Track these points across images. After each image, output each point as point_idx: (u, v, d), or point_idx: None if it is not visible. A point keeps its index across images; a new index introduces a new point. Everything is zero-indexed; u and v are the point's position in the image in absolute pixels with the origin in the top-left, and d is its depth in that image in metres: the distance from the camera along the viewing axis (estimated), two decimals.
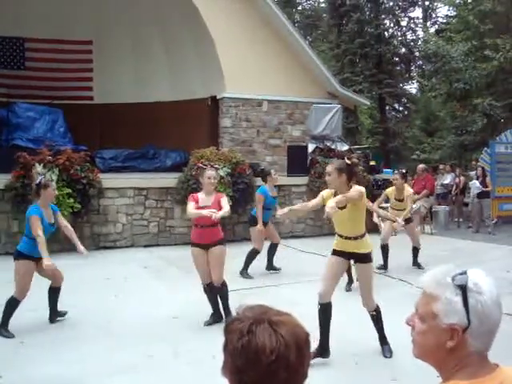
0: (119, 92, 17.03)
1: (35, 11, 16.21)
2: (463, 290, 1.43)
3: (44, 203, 6.18)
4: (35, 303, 7.18)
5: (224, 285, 6.44)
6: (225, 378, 1.39)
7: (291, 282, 8.54)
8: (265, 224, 9.16)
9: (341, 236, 5.51)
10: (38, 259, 6.05)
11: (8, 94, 15.64)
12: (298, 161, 13.80)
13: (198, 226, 6.24)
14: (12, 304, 6.11)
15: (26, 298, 7.30)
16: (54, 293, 6.57)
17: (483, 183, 15.26)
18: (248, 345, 1.32)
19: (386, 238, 9.88)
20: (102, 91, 17.30)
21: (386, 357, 5.38)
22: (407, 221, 9.72)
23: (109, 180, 11.67)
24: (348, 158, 5.46)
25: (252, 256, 9.20)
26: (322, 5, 38.14)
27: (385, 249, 9.81)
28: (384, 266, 9.66)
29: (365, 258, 5.55)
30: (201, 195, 6.39)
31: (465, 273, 1.47)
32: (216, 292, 6.44)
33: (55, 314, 6.56)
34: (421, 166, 16.01)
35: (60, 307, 6.76)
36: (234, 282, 8.26)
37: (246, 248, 10.21)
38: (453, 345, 1.45)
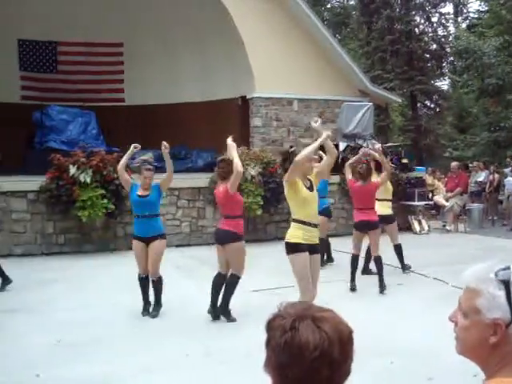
0: (150, 93, 17.16)
1: (66, 15, 16.41)
2: (506, 284, 1.42)
3: None
4: (73, 303, 7.30)
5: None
6: (267, 375, 1.39)
7: (323, 282, 8.49)
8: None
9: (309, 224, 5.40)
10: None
11: (41, 98, 15.87)
12: None
13: None
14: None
15: (65, 299, 7.44)
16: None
17: None
18: (291, 341, 1.32)
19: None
20: (133, 93, 17.45)
21: None
22: (389, 220, 9.21)
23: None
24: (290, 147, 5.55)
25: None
26: (352, 2, 37.90)
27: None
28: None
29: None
30: None
31: (508, 268, 1.46)
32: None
33: None
34: (454, 163, 15.82)
35: (96, 305, 6.84)
36: (265, 281, 8.27)
37: (279, 247, 10.18)
38: (496, 340, 1.43)
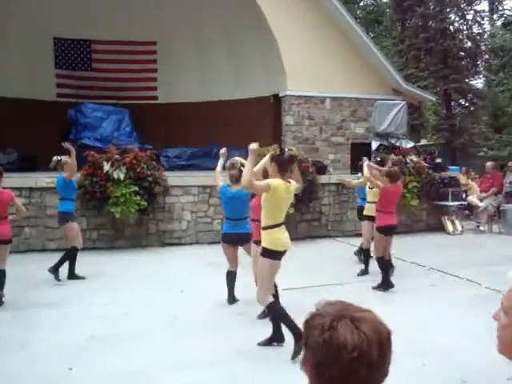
0: (183, 91, 17.27)
1: (101, 14, 16.63)
2: None
3: None
4: (106, 298, 7.38)
5: None
6: (304, 373, 1.38)
7: (355, 282, 8.45)
8: None
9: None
10: None
11: (76, 95, 16.11)
12: (361, 159, 13.61)
13: None
14: None
15: (98, 294, 7.53)
16: None
17: None
18: (330, 340, 1.31)
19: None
20: (166, 91, 17.59)
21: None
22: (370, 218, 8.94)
23: (174, 178, 11.86)
24: (288, 149, 5.40)
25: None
26: (385, 0, 37.56)
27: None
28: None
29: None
30: None
31: None
32: None
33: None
34: (489, 163, 15.57)
35: (128, 301, 6.91)
36: (297, 280, 8.25)
37: (310, 246, 10.18)
38: None
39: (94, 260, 9.99)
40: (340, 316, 1.35)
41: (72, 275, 8.45)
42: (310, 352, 1.36)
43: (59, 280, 8.26)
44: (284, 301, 7.16)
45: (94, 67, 17.67)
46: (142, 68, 17.89)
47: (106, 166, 10.80)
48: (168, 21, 17.12)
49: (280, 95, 15.31)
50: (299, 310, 6.61)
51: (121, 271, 9.09)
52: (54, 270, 8.31)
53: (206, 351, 5.39)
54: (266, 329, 6.07)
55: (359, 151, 13.73)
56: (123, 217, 10.98)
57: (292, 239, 10.13)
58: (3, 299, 7.06)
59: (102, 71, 17.60)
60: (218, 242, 11.76)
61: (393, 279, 8.31)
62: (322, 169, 13.31)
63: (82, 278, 8.47)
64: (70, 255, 8.46)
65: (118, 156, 11.07)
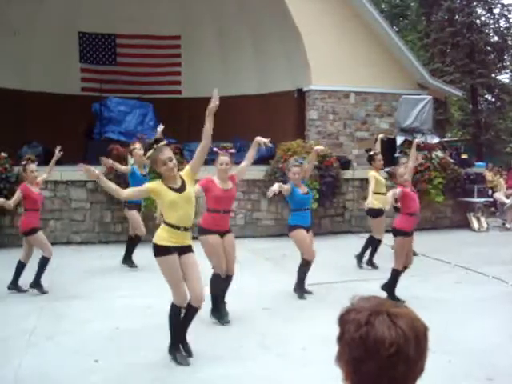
0: (207, 85, 17.09)
1: (125, 8, 16.70)
2: None
3: None
4: (130, 291, 7.42)
5: None
6: (339, 369, 1.37)
7: (378, 278, 8.38)
8: None
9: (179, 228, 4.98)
10: None
11: (100, 89, 16.20)
12: (386, 154, 13.50)
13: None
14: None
15: (122, 287, 7.55)
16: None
17: None
18: (367, 336, 1.30)
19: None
20: (190, 85, 17.61)
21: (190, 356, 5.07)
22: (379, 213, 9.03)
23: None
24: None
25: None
26: None
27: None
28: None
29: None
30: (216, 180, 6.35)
31: None
32: None
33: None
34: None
35: (153, 294, 6.94)
36: (320, 275, 8.22)
37: (333, 241, 10.13)
38: None
39: (118, 253, 10.05)
40: (377, 311, 1.34)
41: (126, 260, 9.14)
42: (345, 347, 1.35)
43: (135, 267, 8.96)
44: (308, 295, 7.18)
45: (119, 61, 17.75)
46: (166, 62, 17.93)
47: (131, 160, 10.83)
48: (192, 15, 17.13)
49: (304, 90, 15.24)
50: (323, 305, 6.58)
51: (144, 264, 9.12)
52: (127, 259, 9.06)
53: (231, 347, 5.39)
54: (288, 324, 6.06)
55: (384, 146, 13.63)
56: (147, 210, 11.02)
57: (315, 234, 10.14)
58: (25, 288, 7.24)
59: (127, 65, 17.66)
60: (241, 237, 11.81)
61: (417, 276, 8.23)
62: (345, 164, 13.23)
63: (135, 266, 9.02)
64: (131, 242, 9.16)
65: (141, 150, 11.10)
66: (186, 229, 4.98)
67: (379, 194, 9.07)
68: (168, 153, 4.94)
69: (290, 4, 14.36)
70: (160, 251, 4.94)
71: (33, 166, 7.49)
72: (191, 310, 5.09)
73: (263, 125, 15.75)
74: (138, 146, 9.28)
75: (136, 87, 17.16)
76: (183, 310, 5.07)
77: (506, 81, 32.90)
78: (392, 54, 15.34)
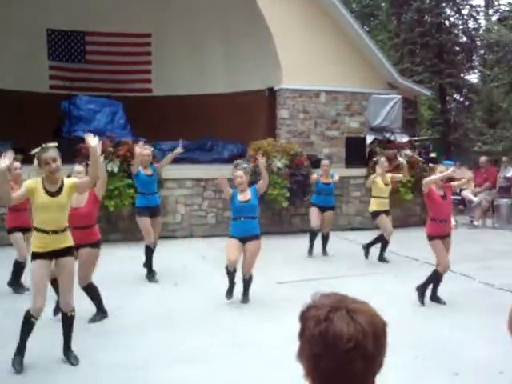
0: (177, 84, 17.20)
1: (95, 5, 16.53)
2: None
3: None
4: (100, 291, 7.34)
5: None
6: (300, 365, 1.37)
7: (348, 275, 8.45)
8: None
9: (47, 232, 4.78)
10: None
11: (69, 87, 16.00)
12: (356, 152, 13.63)
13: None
14: None
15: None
16: None
17: None
18: (326, 332, 1.32)
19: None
20: (160, 83, 17.52)
21: (72, 364, 4.89)
22: (386, 212, 9.57)
23: (168, 171, 11.78)
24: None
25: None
26: None
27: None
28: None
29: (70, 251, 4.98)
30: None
31: None
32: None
33: None
34: (483, 158, 15.61)
35: (123, 294, 6.89)
36: (291, 273, 8.25)
37: (304, 240, 10.18)
38: None
39: None
40: (336, 307, 1.35)
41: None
42: (305, 343, 1.36)
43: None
44: (278, 295, 7.20)
45: (88, 59, 17.57)
46: (137, 60, 17.80)
47: (100, 159, 10.72)
48: (163, 13, 17.03)
49: (275, 89, 15.26)
50: (294, 303, 6.61)
51: (115, 264, 9.05)
52: (148, 270, 8.16)
53: (202, 345, 5.38)
54: (260, 322, 6.07)
55: (354, 145, 13.75)
56: (117, 210, 10.95)
57: (286, 233, 10.17)
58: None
59: (96, 63, 17.50)
60: (212, 236, 11.80)
61: (387, 272, 8.32)
62: (316, 163, 13.28)
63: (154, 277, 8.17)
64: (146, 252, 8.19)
65: (111, 149, 11.02)
66: (55, 232, 4.78)
67: (378, 197, 9.58)
68: (53, 153, 4.78)
69: (262, 4, 14.37)
70: (32, 257, 4.82)
71: (17, 164, 7.35)
72: (63, 317, 5.03)
73: (234, 124, 15.77)
74: (141, 145, 8.51)
75: (106, 85, 17.00)
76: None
77: (475, 81, 33.39)
78: (362, 54, 15.45)
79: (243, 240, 6.79)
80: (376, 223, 9.82)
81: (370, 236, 11.70)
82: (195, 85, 17.08)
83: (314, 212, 9.96)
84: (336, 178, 9.99)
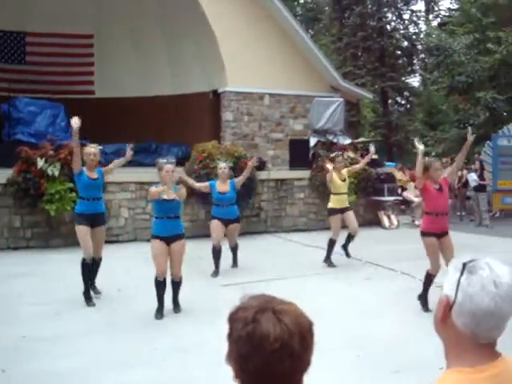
0: (121, 86, 17.00)
1: (36, 5, 16.18)
2: (463, 267, 1.46)
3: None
4: (39, 298, 7.20)
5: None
6: (229, 366, 1.39)
7: (292, 276, 8.52)
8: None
9: None
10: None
11: (9, 89, 15.58)
12: (299, 155, 13.79)
13: None
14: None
15: (31, 294, 7.32)
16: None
17: (481, 177, 15.26)
18: (253, 333, 1.33)
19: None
20: (103, 85, 17.28)
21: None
22: (346, 209, 9.54)
23: (111, 174, 11.62)
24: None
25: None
26: None
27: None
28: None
29: None
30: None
31: (482, 259, 1.49)
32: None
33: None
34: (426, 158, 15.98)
35: (63, 301, 6.76)
36: (236, 276, 8.28)
37: (249, 242, 10.22)
38: (441, 315, 1.48)
39: (28, 259, 9.75)
40: (263, 309, 1.37)
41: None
42: (233, 345, 1.38)
43: None
44: (223, 297, 7.20)
45: (29, 60, 17.18)
46: (79, 62, 17.51)
47: (40, 162, 10.52)
48: (105, 13, 16.81)
49: (219, 91, 15.27)
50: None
51: (55, 270, 8.89)
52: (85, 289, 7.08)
53: (145, 349, 5.34)
54: (204, 325, 6.06)
55: (298, 147, 13.90)
56: (58, 214, 10.74)
57: None
58: None
59: (37, 64, 17.13)
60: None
61: (329, 273, 8.44)
62: (261, 165, 13.37)
63: None
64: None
65: (52, 152, 10.81)
66: None
67: (336, 194, 9.45)
68: None
69: (206, 7, 14.36)
70: None
71: None
72: None
73: (179, 126, 15.70)
74: (94, 146, 7.74)
75: (47, 87, 16.66)
76: None
77: (416, 84, 34.22)
78: (306, 57, 15.63)
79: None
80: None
81: (315, 237, 11.88)
82: (139, 86, 16.92)
83: (213, 225, 8.65)
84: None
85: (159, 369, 4.89)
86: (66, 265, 9.31)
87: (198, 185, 8.89)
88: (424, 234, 6.77)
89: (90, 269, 7.10)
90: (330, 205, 9.54)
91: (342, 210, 9.45)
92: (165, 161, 6.79)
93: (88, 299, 6.93)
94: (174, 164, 6.77)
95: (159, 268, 6.49)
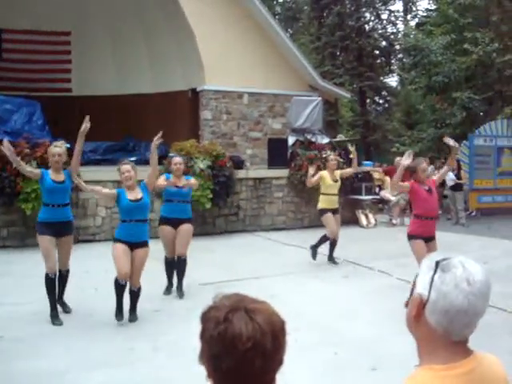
0: (98, 84, 16.88)
1: (13, 2, 15.98)
2: (437, 265, 1.48)
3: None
4: (16, 297, 7.12)
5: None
6: (202, 366, 1.39)
7: (271, 275, 8.54)
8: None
9: None
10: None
11: None
12: (278, 153, 13.82)
13: None
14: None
15: (8, 293, 7.24)
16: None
17: (458, 176, 15.43)
18: (224, 332, 1.33)
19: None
20: (80, 83, 17.14)
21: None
22: (335, 211, 9.42)
23: (88, 173, 11.55)
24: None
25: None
26: None
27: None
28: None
29: None
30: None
31: (455, 257, 1.50)
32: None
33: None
34: (398, 158, 16.09)
35: (40, 300, 6.70)
36: (214, 275, 8.27)
37: (227, 241, 10.21)
38: (415, 313, 1.50)
39: (3, 259, 9.63)
40: (235, 308, 1.37)
41: None
42: (206, 345, 1.38)
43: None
44: (201, 296, 7.18)
45: (5, 57, 16.95)
46: (56, 59, 17.33)
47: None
48: (83, 11, 16.66)
49: (198, 90, 15.23)
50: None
51: (32, 270, 8.78)
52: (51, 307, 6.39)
53: (122, 349, 5.31)
54: (181, 324, 6.05)
55: (276, 146, 13.93)
56: (35, 213, 10.58)
57: (210, 234, 10.15)
58: None
59: (13, 62, 16.91)
60: None
61: (307, 271, 8.46)
62: (239, 163, 13.38)
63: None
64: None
65: (28, 150, 10.70)
66: None
67: (326, 194, 9.33)
68: None
69: (184, 5, 14.29)
70: None
71: None
72: None
73: (157, 124, 15.53)
74: (59, 144, 6.84)
75: (23, 84, 16.46)
76: None
77: (393, 84, 34.49)
78: (285, 56, 15.64)
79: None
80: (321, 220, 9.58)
81: (293, 236, 11.91)
82: (117, 84, 16.81)
83: (117, 256, 6.49)
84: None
85: (136, 369, 4.87)
86: (42, 264, 9.21)
87: (105, 191, 6.59)
88: (411, 237, 6.72)
89: (54, 284, 6.34)
90: (320, 205, 9.35)
91: (333, 211, 9.29)
92: (173, 154, 7.03)
93: (54, 317, 6.18)
94: (132, 164, 6.41)
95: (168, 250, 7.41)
